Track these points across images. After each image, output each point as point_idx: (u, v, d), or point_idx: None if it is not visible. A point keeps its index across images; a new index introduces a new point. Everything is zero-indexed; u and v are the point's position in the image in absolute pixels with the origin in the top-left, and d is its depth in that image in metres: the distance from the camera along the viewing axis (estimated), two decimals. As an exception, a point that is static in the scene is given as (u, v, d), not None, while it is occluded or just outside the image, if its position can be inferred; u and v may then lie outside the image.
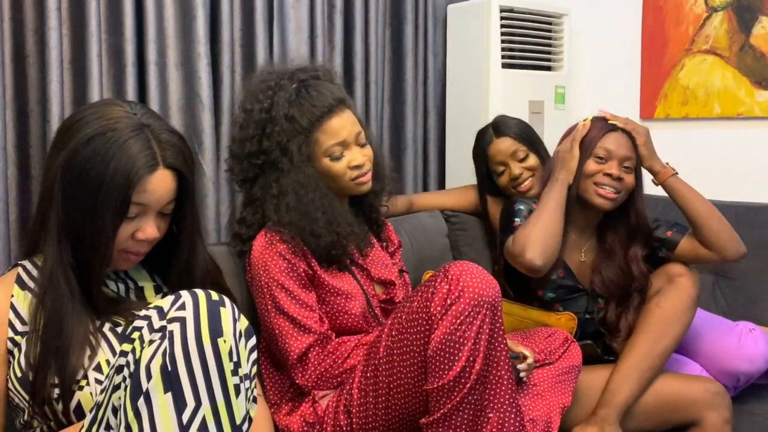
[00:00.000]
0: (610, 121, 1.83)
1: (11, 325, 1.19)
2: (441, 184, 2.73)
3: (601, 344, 1.86)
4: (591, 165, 1.79)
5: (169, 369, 0.95)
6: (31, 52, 1.76)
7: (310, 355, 1.50)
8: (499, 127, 2.16)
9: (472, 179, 2.32)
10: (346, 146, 1.58)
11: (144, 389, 0.95)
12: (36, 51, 1.76)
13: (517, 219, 1.82)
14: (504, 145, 2.12)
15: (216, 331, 0.98)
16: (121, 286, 1.31)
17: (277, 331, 1.51)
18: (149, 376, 0.95)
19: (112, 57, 1.87)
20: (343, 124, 1.57)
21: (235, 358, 0.99)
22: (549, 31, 2.71)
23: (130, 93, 1.87)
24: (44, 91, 1.74)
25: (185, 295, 1.01)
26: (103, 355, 1.18)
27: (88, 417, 1.04)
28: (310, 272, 1.55)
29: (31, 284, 1.22)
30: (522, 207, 1.85)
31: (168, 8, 1.93)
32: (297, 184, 1.54)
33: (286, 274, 1.52)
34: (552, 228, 1.73)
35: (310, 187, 1.55)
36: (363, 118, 1.80)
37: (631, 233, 1.84)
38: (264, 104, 1.56)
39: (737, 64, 2.46)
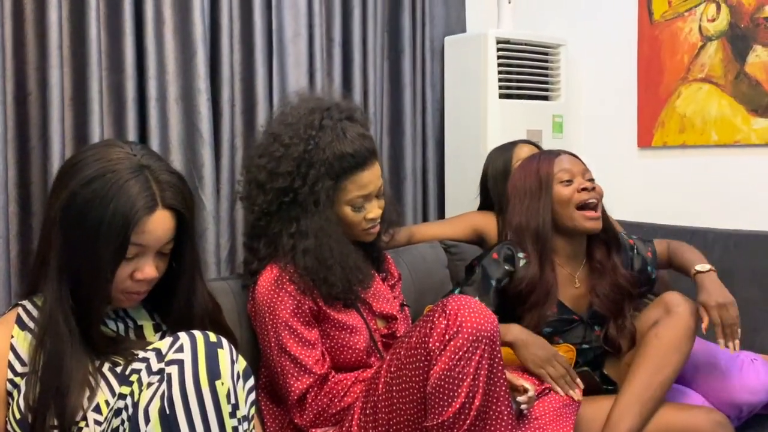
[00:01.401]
0: None
1: (11, 367, 1.19)
2: (441, 214, 2.74)
3: (599, 374, 1.85)
4: (561, 191, 1.79)
5: (168, 412, 0.95)
6: (33, 90, 1.78)
7: (308, 396, 1.50)
8: (512, 141, 2.24)
9: (471, 207, 2.33)
10: (368, 199, 1.60)
11: (142, 433, 0.95)
12: (37, 89, 1.77)
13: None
14: (527, 147, 2.19)
15: (214, 374, 0.98)
16: (121, 326, 1.31)
17: (279, 369, 1.51)
18: (147, 420, 0.95)
19: (113, 94, 1.89)
20: (371, 179, 1.58)
21: (233, 401, 0.99)
22: (546, 61, 2.74)
23: (131, 129, 1.89)
24: (45, 129, 1.75)
25: (183, 336, 1.02)
26: (102, 395, 1.18)
27: (87, 460, 1.04)
28: (315, 309, 1.55)
29: (31, 324, 1.22)
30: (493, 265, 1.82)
31: (168, 44, 1.96)
32: (319, 228, 1.54)
33: (292, 313, 1.52)
34: None
35: (330, 231, 1.55)
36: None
37: (607, 244, 1.87)
38: (308, 145, 1.54)
39: (733, 92, 2.48)
